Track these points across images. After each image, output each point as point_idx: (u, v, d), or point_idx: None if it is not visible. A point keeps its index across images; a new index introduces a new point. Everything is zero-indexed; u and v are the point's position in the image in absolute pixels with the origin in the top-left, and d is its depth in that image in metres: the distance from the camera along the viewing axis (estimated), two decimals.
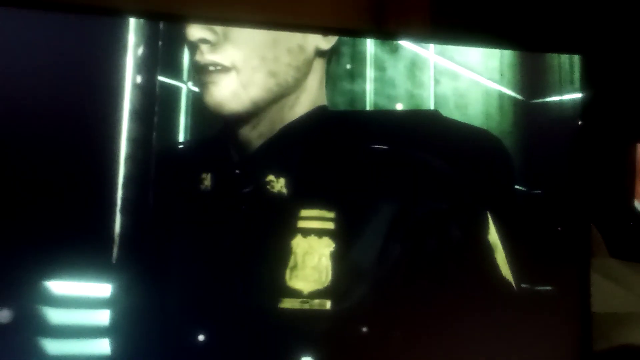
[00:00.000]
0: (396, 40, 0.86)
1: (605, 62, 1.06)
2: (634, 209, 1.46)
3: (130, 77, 0.75)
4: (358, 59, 0.83)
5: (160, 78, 0.77)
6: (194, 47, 0.78)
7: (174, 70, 0.78)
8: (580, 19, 1.39)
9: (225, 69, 0.78)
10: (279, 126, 0.81)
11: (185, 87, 0.78)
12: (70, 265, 0.73)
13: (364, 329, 0.80)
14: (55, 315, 0.73)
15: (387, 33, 1.14)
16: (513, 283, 0.86)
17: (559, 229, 0.89)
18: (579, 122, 0.91)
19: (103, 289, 0.74)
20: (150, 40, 0.76)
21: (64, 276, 0.73)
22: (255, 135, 0.80)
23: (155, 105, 0.76)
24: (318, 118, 0.82)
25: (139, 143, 0.74)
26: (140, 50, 0.76)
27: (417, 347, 0.83)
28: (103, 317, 0.74)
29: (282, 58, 0.80)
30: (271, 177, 0.80)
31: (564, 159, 0.90)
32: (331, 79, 0.83)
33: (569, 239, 0.91)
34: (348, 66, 0.83)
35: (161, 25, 0.77)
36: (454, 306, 0.85)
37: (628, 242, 1.35)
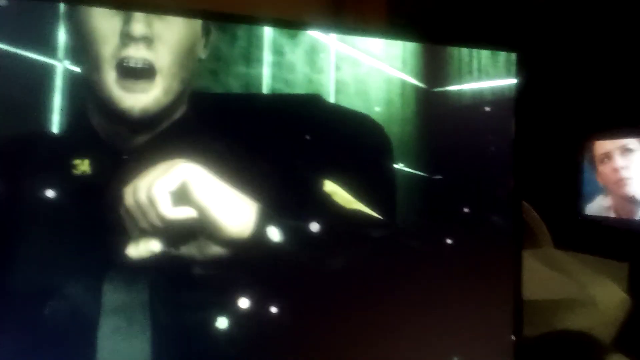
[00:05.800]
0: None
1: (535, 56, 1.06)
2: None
3: None
4: (255, 42, 0.84)
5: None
6: (126, 42, 0.75)
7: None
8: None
9: (152, 72, 0.76)
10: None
11: (61, 65, 0.75)
12: None
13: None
14: None
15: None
16: None
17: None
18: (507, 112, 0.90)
19: None
20: None
21: None
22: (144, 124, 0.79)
23: None
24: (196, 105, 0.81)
25: None
26: None
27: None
28: None
29: (192, 65, 0.79)
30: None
31: (469, 146, 0.90)
32: (225, 62, 0.82)
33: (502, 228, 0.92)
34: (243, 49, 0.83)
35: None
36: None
37: (574, 235, 1.37)
